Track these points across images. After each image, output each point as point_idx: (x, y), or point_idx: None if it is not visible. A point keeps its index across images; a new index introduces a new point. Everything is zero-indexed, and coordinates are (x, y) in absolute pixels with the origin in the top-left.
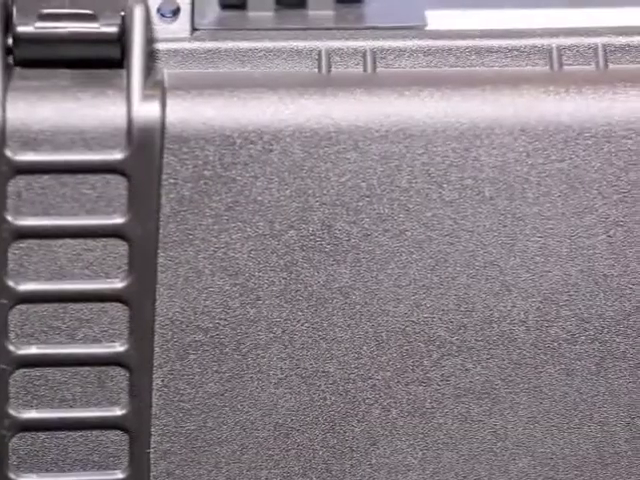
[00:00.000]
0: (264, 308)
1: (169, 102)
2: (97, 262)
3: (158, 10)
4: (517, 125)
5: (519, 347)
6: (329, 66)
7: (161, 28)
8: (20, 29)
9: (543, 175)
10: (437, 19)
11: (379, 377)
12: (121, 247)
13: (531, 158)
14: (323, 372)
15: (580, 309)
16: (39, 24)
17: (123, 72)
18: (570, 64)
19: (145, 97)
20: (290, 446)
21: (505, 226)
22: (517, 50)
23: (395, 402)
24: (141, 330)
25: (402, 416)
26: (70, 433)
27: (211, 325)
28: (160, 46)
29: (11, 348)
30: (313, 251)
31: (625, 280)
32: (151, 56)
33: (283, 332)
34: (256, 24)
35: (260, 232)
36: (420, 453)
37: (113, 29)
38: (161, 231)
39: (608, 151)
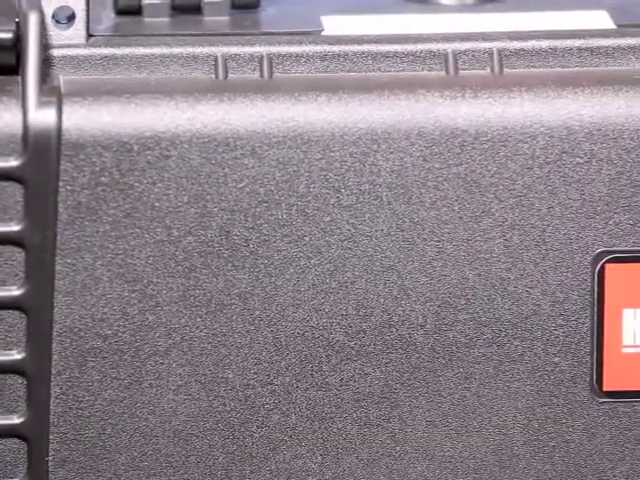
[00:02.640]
0: (163, 314)
1: (65, 108)
2: None
3: (53, 16)
4: (414, 130)
5: (417, 351)
6: (226, 72)
7: (56, 34)
8: None
9: (440, 179)
10: (333, 24)
11: (278, 382)
12: (18, 254)
13: (428, 162)
14: (222, 378)
15: (478, 313)
16: None
17: (18, 78)
18: (466, 69)
19: (41, 103)
20: (190, 452)
21: (403, 230)
22: (413, 55)
23: (294, 407)
24: (39, 338)
25: (301, 421)
26: None
27: (110, 332)
28: (56, 52)
29: None
30: (211, 257)
31: (522, 283)
32: (46, 62)
33: (182, 338)
34: (152, 30)
35: (158, 238)
36: (319, 458)
37: (7, 35)
38: (58, 238)
39: (504, 155)
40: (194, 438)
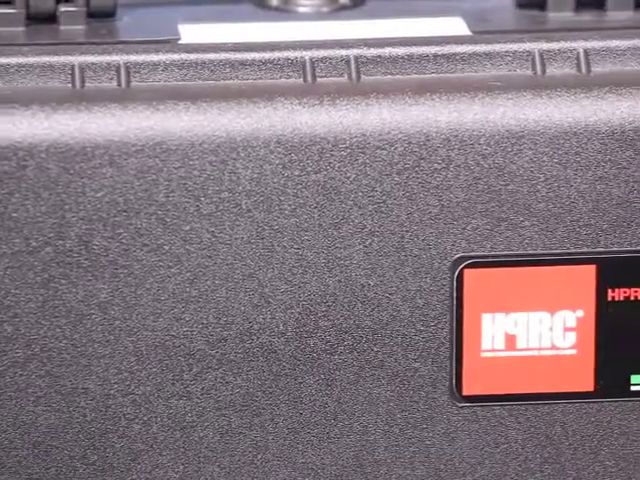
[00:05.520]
0: (22, 325)
1: None
2: None
3: None
4: (273, 137)
5: (279, 359)
6: (83, 81)
7: None
8: None
9: (299, 187)
10: (190, 33)
11: (139, 392)
12: None
13: (287, 170)
14: (83, 389)
15: (338, 319)
16: None
17: None
18: (323, 76)
19: None
20: (50, 464)
21: (263, 238)
22: (271, 63)
23: (156, 417)
24: None
25: (163, 430)
26: None
27: None
28: None
29: None
30: (71, 267)
31: (381, 289)
32: None
33: (42, 349)
34: (7, 39)
35: (16, 249)
36: (181, 467)
37: None
38: None
39: (363, 162)
40: (54, 450)
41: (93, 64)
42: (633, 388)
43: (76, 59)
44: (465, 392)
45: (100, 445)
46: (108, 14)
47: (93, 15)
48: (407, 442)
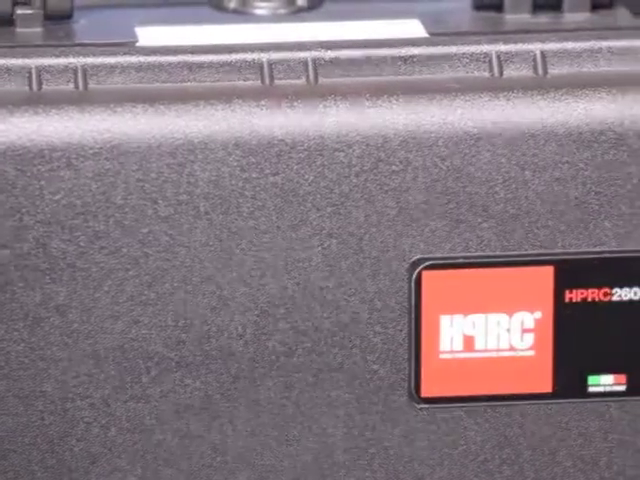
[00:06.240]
0: None
1: None
2: None
3: None
4: (231, 140)
5: (237, 361)
6: (40, 84)
7: None
8: None
9: (257, 189)
10: (148, 35)
11: (98, 395)
12: None
13: (245, 172)
14: (40, 392)
15: (297, 322)
16: None
17: None
18: (281, 78)
19: None
20: (8, 468)
21: (221, 241)
22: (229, 65)
23: (114, 420)
24: None
25: (121, 433)
26: None
27: None
28: None
29: None
30: (28, 270)
31: (340, 292)
32: None
33: None
34: None
35: None
36: (140, 470)
37: None
38: None
39: (321, 164)
40: (12, 454)
41: (50, 67)
42: (590, 389)
43: (33, 62)
44: (424, 394)
45: (58, 449)
46: (65, 16)
47: (50, 17)
48: (366, 444)
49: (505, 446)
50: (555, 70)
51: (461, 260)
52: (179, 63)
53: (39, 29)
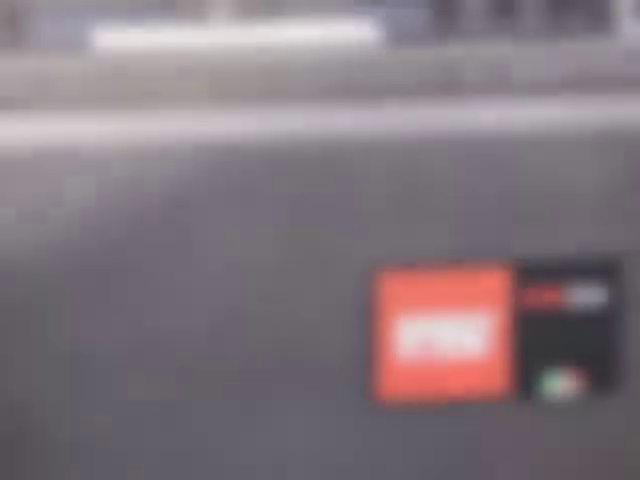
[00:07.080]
0: None
1: None
2: None
3: None
4: (186, 144)
5: (195, 364)
6: None
7: None
8: None
9: (213, 194)
10: (104, 39)
11: (56, 399)
12: None
13: (201, 176)
14: None
15: (254, 325)
16: None
17: None
18: (236, 82)
19: None
20: None
21: (176, 246)
22: (183, 69)
23: (71, 424)
24: None
25: (79, 438)
26: None
27: None
28: None
29: None
30: None
31: (298, 295)
32: None
33: None
34: None
35: None
36: (98, 474)
37: None
38: None
39: (277, 168)
40: None
41: (5, 71)
42: (547, 390)
43: None
44: (381, 396)
45: (17, 452)
46: (21, 20)
47: (6, 21)
48: (323, 446)
49: (462, 447)
50: (514, 74)
51: (418, 264)
52: (135, 67)
53: None
